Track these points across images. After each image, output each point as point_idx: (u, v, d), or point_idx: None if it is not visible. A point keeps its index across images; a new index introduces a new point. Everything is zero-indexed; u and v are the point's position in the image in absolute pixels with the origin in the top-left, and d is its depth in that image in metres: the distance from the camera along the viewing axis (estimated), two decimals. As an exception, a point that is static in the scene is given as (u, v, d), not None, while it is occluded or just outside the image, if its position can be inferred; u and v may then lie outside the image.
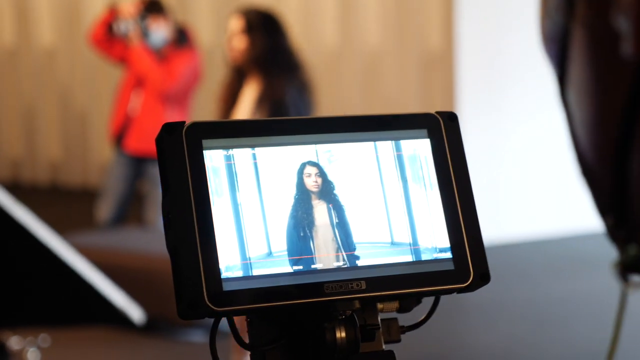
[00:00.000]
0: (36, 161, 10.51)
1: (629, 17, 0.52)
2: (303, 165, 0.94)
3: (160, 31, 6.57)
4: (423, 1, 7.73)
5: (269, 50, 4.42)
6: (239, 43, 4.47)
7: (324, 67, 8.42)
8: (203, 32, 9.06)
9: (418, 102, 7.78)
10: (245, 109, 4.36)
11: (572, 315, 5.49)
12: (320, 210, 0.93)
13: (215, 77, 9.13)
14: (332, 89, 8.38)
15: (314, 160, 0.95)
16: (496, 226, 7.26)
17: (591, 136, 0.58)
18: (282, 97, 4.30)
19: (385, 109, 7.87)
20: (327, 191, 0.94)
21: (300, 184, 0.94)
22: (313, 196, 0.94)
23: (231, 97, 4.45)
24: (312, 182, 0.94)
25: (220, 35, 9.16)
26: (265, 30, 4.46)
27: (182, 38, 6.68)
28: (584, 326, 5.25)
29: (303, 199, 0.93)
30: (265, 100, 4.31)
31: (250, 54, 4.42)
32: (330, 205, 0.94)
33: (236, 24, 4.55)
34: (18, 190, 8.87)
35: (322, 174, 0.95)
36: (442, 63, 7.66)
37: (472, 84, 7.56)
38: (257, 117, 4.27)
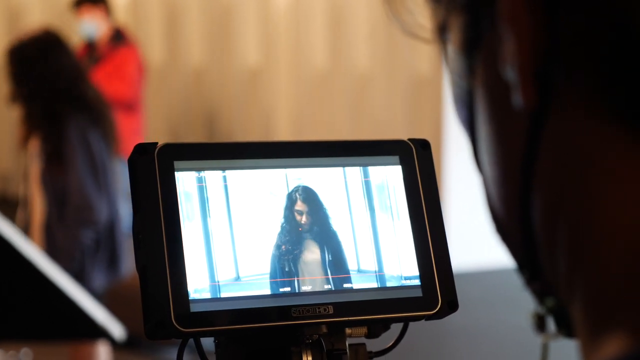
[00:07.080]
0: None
1: (514, 66, 0.53)
2: (293, 194, 0.94)
3: (92, 22, 6.45)
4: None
5: (45, 79, 3.98)
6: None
7: (313, 89, 8.43)
8: (154, 50, 9.12)
9: (406, 125, 7.78)
10: (30, 154, 4.03)
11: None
12: (291, 235, 0.94)
13: (166, 95, 9.19)
14: (320, 111, 8.38)
15: (308, 185, 0.95)
16: (481, 251, 7.25)
17: (499, 191, 0.58)
18: (63, 136, 3.93)
19: (373, 131, 7.87)
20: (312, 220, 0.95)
21: (288, 211, 0.94)
22: (286, 221, 0.94)
23: (27, 131, 4.05)
24: (299, 215, 0.94)
25: (171, 53, 9.25)
26: (38, 58, 3.99)
27: (118, 36, 6.57)
28: (567, 351, 5.25)
29: (274, 223, 0.93)
30: (44, 143, 3.95)
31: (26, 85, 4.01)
32: (299, 230, 0.94)
33: (6, 55, 4.11)
34: (4, 204, 8.84)
35: (313, 201, 0.95)
36: (431, 87, 7.66)
37: (460, 108, 7.57)
38: (35, 163, 3.99)
